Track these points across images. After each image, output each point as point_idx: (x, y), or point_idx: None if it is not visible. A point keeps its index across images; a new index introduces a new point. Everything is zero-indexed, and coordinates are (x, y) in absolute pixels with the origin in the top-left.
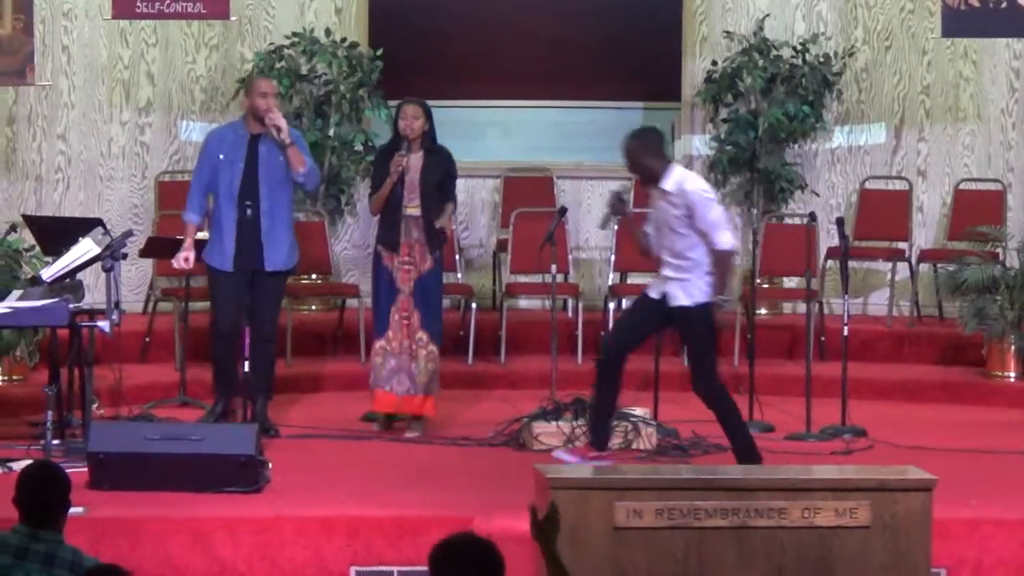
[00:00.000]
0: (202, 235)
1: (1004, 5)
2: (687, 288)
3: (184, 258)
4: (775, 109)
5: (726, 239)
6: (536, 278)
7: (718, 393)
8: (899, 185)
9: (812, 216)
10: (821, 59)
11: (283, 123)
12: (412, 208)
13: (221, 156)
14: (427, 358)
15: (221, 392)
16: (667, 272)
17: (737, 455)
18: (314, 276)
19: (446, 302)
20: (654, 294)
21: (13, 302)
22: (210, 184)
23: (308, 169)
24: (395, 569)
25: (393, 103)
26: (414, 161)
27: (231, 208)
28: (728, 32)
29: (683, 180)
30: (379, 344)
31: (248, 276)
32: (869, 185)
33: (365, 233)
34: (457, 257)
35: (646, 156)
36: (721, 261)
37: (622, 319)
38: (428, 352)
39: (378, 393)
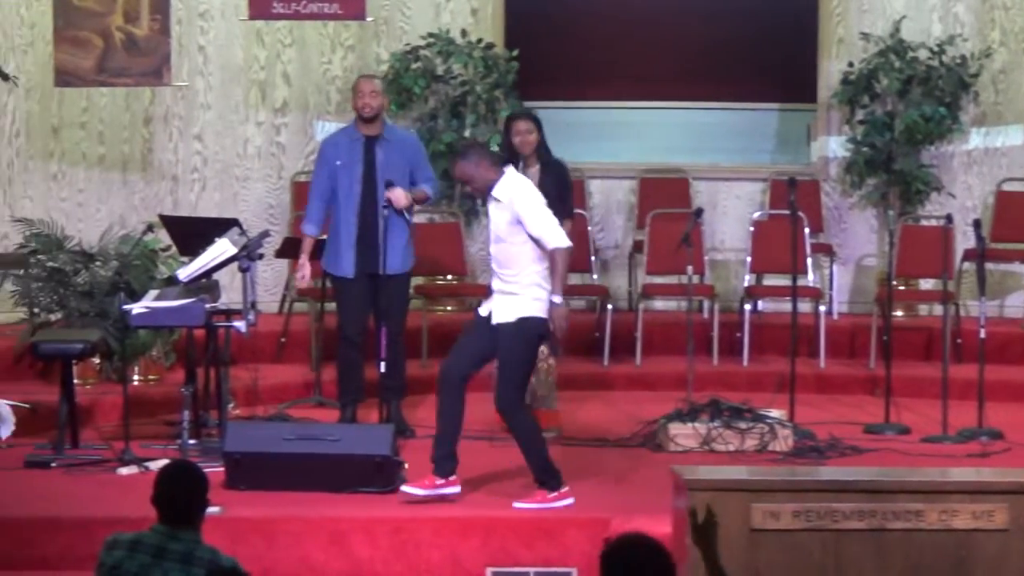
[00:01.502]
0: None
1: None
2: (511, 304)
3: (301, 276)
4: (911, 111)
5: (559, 237)
6: (672, 279)
7: (518, 415)
8: None
9: (948, 218)
10: (958, 61)
11: (403, 201)
12: None
13: (338, 162)
14: (547, 371)
15: (349, 398)
16: (495, 285)
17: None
18: (449, 277)
19: (581, 303)
20: (484, 311)
21: (150, 302)
22: (329, 192)
23: (432, 194)
24: (531, 570)
25: (529, 104)
26: (530, 177)
27: (352, 213)
28: (864, 33)
29: (512, 186)
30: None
31: (371, 279)
32: (1006, 187)
33: None
34: (593, 258)
35: (477, 170)
36: (557, 259)
37: (459, 340)
38: (548, 366)
39: None
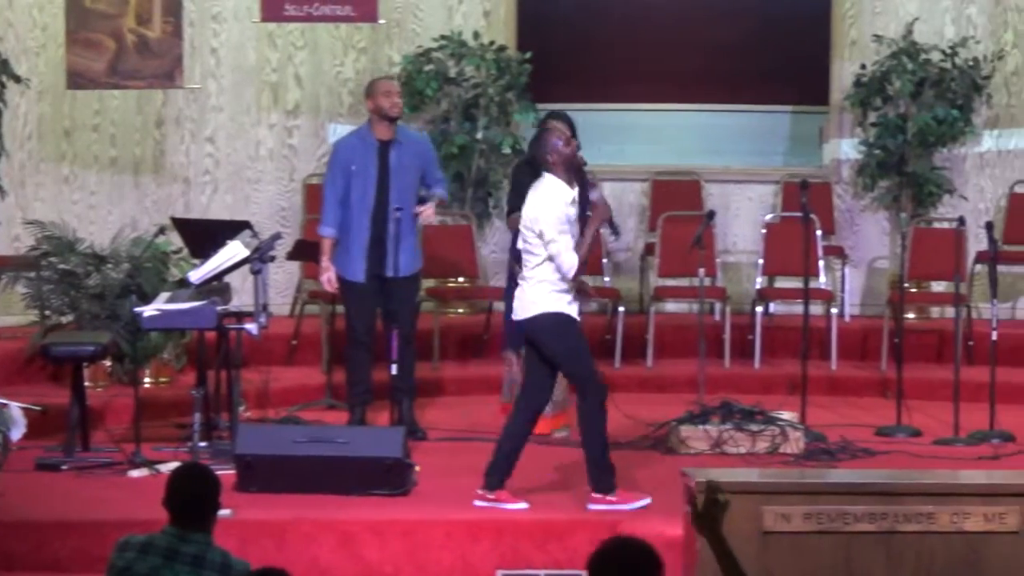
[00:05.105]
0: None
1: None
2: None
3: (328, 279)
4: (924, 113)
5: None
6: (683, 282)
7: None
8: None
9: (961, 220)
10: (970, 63)
11: (433, 219)
12: None
13: (353, 167)
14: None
15: (358, 399)
16: (571, 284)
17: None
18: (461, 280)
19: (593, 305)
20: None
21: (161, 304)
22: (344, 194)
23: (446, 197)
24: (542, 572)
25: (541, 106)
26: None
27: (365, 217)
28: (877, 36)
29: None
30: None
31: (380, 281)
32: (1019, 189)
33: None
34: (604, 261)
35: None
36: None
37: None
38: None
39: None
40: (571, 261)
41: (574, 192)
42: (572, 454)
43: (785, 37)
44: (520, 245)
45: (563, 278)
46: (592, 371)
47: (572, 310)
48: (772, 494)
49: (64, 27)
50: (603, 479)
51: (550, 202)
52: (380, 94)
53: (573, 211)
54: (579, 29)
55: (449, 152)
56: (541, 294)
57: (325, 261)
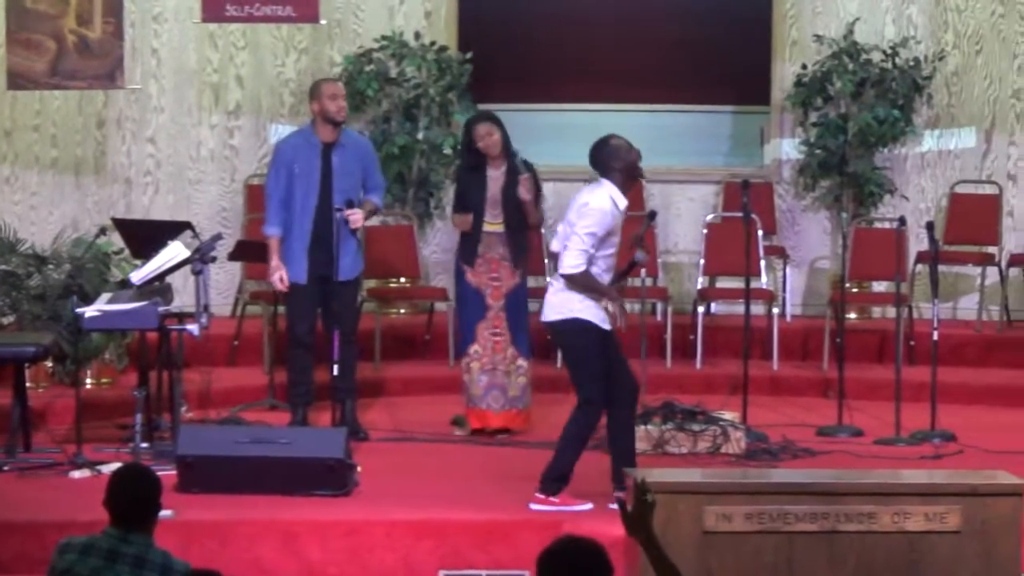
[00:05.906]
0: None
1: None
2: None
3: (280, 278)
4: (865, 113)
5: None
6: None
7: None
8: (989, 189)
9: (902, 220)
10: (911, 63)
11: (360, 223)
12: (495, 225)
13: (296, 167)
14: (518, 372)
15: (300, 400)
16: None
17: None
18: (402, 280)
19: (536, 307)
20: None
21: (102, 305)
22: (287, 194)
23: (381, 205)
24: (484, 572)
25: (482, 106)
26: (496, 176)
27: (307, 219)
28: (818, 36)
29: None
30: (465, 361)
31: (322, 282)
32: (959, 189)
33: (454, 237)
34: (546, 262)
35: None
36: None
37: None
38: (519, 367)
39: (475, 412)
40: (575, 261)
41: (627, 202)
42: (515, 454)
43: (726, 37)
44: (555, 247)
45: (559, 270)
46: (595, 388)
47: (599, 319)
48: (713, 494)
49: (4, 27)
50: (553, 484)
51: (603, 205)
52: (326, 97)
53: (619, 222)
54: (520, 30)
55: (390, 152)
56: (571, 299)
57: (275, 260)
